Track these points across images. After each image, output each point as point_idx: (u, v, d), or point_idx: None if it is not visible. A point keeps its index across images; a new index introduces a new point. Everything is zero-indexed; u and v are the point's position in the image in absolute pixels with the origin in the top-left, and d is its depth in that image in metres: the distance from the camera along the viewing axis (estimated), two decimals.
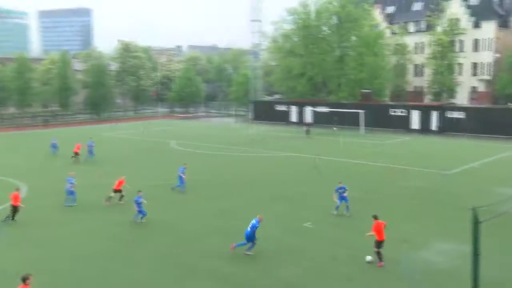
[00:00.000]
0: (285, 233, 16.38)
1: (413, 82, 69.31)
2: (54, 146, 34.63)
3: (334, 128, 48.83)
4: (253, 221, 14.35)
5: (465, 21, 63.61)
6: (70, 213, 19.25)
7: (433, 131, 45.85)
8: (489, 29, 62.76)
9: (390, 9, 74.14)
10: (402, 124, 47.80)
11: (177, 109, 78.86)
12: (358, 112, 47.53)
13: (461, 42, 64.28)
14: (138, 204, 17.55)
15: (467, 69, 64.71)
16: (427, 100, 64.46)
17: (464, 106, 52.81)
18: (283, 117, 57.62)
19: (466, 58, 63.73)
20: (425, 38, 65.34)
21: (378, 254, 13.51)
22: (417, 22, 69.99)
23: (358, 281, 12.83)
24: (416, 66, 69.19)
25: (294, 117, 56.89)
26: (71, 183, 20.08)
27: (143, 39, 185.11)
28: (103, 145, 34.11)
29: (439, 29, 63.54)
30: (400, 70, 67.76)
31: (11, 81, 60.76)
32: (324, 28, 62.14)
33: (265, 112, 60.40)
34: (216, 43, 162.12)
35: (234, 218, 18.28)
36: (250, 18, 65.26)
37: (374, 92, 54.97)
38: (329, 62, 60.30)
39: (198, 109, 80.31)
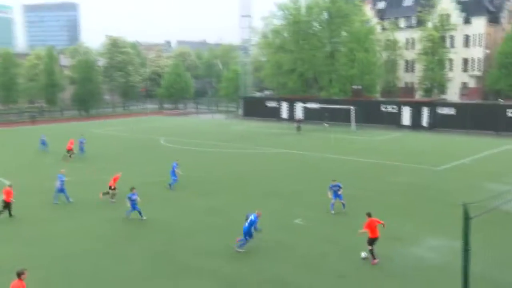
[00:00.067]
0: (276, 230, 16.13)
1: (404, 78, 69.33)
2: (43, 143, 34.07)
3: (325, 124, 48.54)
4: (252, 217, 14.21)
5: (456, 16, 63.64)
6: (61, 210, 19.11)
7: (424, 127, 45.70)
8: (479, 25, 62.86)
9: (381, 5, 73.96)
10: (393, 120, 47.61)
11: (166, 106, 78.08)
12: (349, 108, 47.22)
13: (451, 38, 64.34)
14: (132, 201, 17.30)
15: (457, 65, 64.81)
16: (418, 96, 64.46)
17: (454, 102, 52.81)
18: (274, 114, 57.16)
19: (456, 54, 63.85)
20: (416, 33, 65.34)
21: (371, 252, 13.39)
22: (408, 17, 69.90)
23: (349, 278, 12.72)
24: (407, 62, 69.18)
25: (284, 114, 56.46)
26: (62, 180, 19.82)
27: (131, 35, 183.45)
28: (92, 142, 33.74)
29: (429, 24, 63.52)
30: (391, 66, 67.71)
31: None
32: (315, 23, 61.76)
33: (256, 108, 59.88)
34: (206, 38, 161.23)
35: (226, 215, 18.22)
36: (240, 13, 64.70)
37: (365, 88, 54.73)
38: (319, 58, 59.96)
39: (188, 106, 79.59)
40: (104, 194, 20.10)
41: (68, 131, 45.93)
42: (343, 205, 18.33)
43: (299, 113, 52.33)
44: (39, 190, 21.97)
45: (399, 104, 48.41)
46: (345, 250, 14.54)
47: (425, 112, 46.18)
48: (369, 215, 13.74)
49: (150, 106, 73.99)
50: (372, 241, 13.41)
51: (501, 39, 59.96)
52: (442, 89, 63.98)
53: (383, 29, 68.78)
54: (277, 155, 32.71)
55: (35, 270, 10.48)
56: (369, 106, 49.72)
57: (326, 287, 12.22)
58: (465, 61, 64.48)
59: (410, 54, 67.81)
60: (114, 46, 75.69)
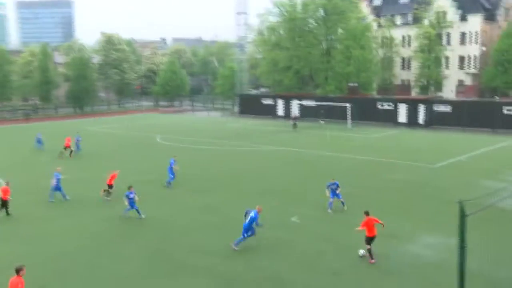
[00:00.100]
0: (273, 228, 15.99)
1: (400, 75, 69.24)
2: (39, 141, 33.83)
3: (321, 122, 48.39)
4: (252, 214, 14.07)
5: (452, 14, 63.56)
6: (57, 208, 19.00)
7: (420, 124, 45.64)
8: (475, 22, 62.81)
9: (377, 2, 73.78)
10: (390, 118, 47.52)
11: (162, 103, 77.73)
12: (345, 106, 47.07)
13: (448, 35, 64.28)
14: (130, 199, 17.17)
15: (454, 62, 64.78)
16: (414, 93, 64.42)
17: (451, 99, 52.78)
18: (270, 111, 56.96)
19: (453, 52, 63.81)
20: (412, 31, 65.20)
21: (369, 251, 13.30)
22: (404, 15, 69.75)
23: (345, 276, 12.67)
24: (403, 59, 69.08)
25: (280, 111, 56.25)
26: (58, 178, 19.69)
27: (126, 32, 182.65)
28: (87, 140, 33.61)
29: (426, 22, 63.42)
30: (387, 63, 67.60)
31: None
32: (311, 20, 61.57)
33: (251, 106, 59.64)
34: (201, 35, 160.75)
35: (222, 213, 18.17)
36: (235, 10, 64.34)
37: (361, 85, 54.62)
38: (315, 55, 59.80)
39: (183, 103, 79.25)
40: (105, 191, 20.00)
41: (62, 128, 45.69)
42: (343, 203, 18.17)
43: (295, 110, 52.17)
44: (35, 188, 21.82)
45: (395, 102, 48.32)
46: (342, 248, 14.45)
47: (422, 109, 46.12)
48: (367, 213, 13.61)
49: (146, 103, 73.66)
50: (369, 240, 13.31)
51: (497, 37, 59.92)
52: (439, 86, 63.96)
53: (379, 26, 68.63)
54: (273, 152, 32.54)
55: (32, 268, 10.41)
56: (365, 103, 49.59)
57: (322, 285, 12.14)
58: (461, 58, 64.45)
59: (406, 52, 67.72)
60: (109, 43, 75.16)
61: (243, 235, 14.10)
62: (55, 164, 23.77)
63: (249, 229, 14.10)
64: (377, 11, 72.56)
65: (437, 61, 62.96)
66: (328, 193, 18.08)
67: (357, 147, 34.22)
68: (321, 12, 60.34)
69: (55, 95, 67.77)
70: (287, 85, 61.49)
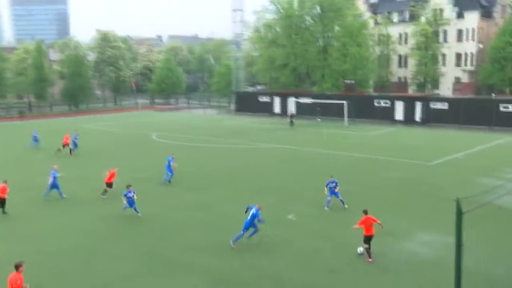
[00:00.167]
0: (269, 225, 15.86)
1: (397, 72, 69.14)
2: (35, 139, 33.63)
3: (318, 119, 48.25)
4: (253, 211, 14.08)
5: (449, 11, 63.48)
6: (53, 206, 18.90)
7: (417, 122, 45.56)
8: (472, 19, 62.75)
9: None
10: (386, 115, 47.41)
11: (158, 101, 77.39)
12: (342, 103, 46.92)
13: (444, 32, 64.21)
14: (128, 198, 17.03)
15: (450, 59, 64.74)
16: (411, 91, 64.37)
17: (447, 97, 52.71)
18: (266, 108, 56.75)
19: (449, 49, 63.75)
20: (409, 28, 65.11)
21: (367, 250, 13.24)
22: (401, 12, 69.62)
23: (342, 273, 12.60)
24: (400, 56, 68.98)
25: (277, 108, 56.05)
26: (55, 176, 19.56)
27: (122, 29, 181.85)
28: (83, 138, 33.49)
29: (423, 19, 63.31)
30: (384, 60, 67.49)
31: None
32: (307, 18, 61.37)
33: (248, 104, 59.41)
34: (198, 33, 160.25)
35: (218, 210, 18.09)
36: (232, 7, 64.01)
37: (358, 83, 54.48)
38: (312, 53, 59.62)
39: (179, 101, 78.93)
40: (110, 187, 19.97)
41: (58, 126, 45.43)
42: (342, 202, 18.00)
43: (291, 108, 51.98)
44: (30, 186, 21.68)
45: (392, 99, 48.19)
46: (339, 245, 14.39)
47: (418, 107, 46.02)
48: (365, 212, 13.50)
49: (142, 101, 73.26)
50: (367, 239, 13.23)
51: (494, 34, 59.91)
52: (435, 84, 63.90)
53: (376, 23, 68.47)
54: (269, 150, 32.39)
55: (28, 267, 10.29)
56: (362, 101, 49.44)
57: (319, 282, 12.06)
58: (458, 56, 64.41)
59: (403, 49, 67.61)
60: (105, 40, 74.69)
61: (243, 231, 14.10)
62: (51, 162, 23.69)
63: (250, 226, 14.07)
64: (374, 8, 72.42)
65: (434, 59, 62.91)
66: (327, 191, 17.92)
67: (353, 144, 34.08)
68: (317, 9, 60.14)
69: (50, 93, 67.29)
70: (283, 83, 61.30)
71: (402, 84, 67.41)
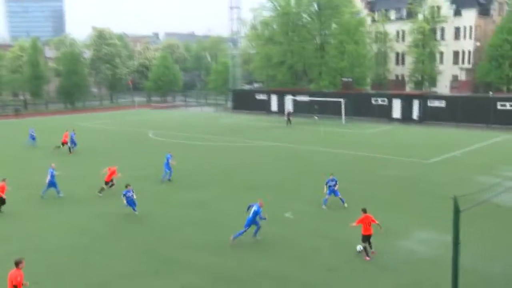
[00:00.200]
0: (266, 224, 15.75)
1: (395, 70, 69.05)
2: (32, 137, 33.44)
3: (315, 117, 48.09)
4: (254, 208, 14.10)
5: (446, 9, 63.37)
6: (50, 205, 18.86)
7: (415, 120, 45.48)
8: (469, 17, 62.69)
9: None
10: (384, 113, 47.29)
11: (155, 99, 77.08)
12: (339, 101, 46.78)
13: (442, 30, 64.13)
14: (127, 198, 16.96)
15: (448, 57, 64.67)
16: (409, 88, 64.30)
17: (445, 95, 52.65)
18: (263, 106, 56.56)
19: (447, 47, 63.66)
20: (406, 26, 64.97)
21: (365, 248, 13.18)
22: (398, 9, 69.51)
23: (340, 271, 12.56)
24: (397, 54, 68.88)
25: (274, 106, 55.86)
26: (53, 174, 19.47)
27: (118, 26, 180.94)
28: (79, 136, 33.26)
29: (420, 16, 63.18)
30: (382, 58, 67.38)
31: None
32: (304, 15, 61.19)
33: (245, 101, 59.19)
34: (194, 30, 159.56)
35: (215, 208, 18.06)
36: (229, 4, 63.69)
37: (355, 80, 54.33)
38: (309, 50, 59.44)
39: (176, 99, 78.63)
40: (110, 186, 19.96)
41: (53, 124, 45.18)
42: (342, 200, 17.83)
43: (289, 106, 51.79)
44: (27, 184, 21.54)
45: (390, 97, 48.09)
46: (337, 244, 14.33)
47: (416, 105, 45.93)
48: (364, 211, 13.41)
49: (138, 99, 72.96)
50: (365, 238, 13.16)
51: (492, 32, 59.84)
52: (433, 81, 63.84)
53: (373, 21, 68.34)
54: (266, 148, 32.26)
55: (25, 265, 10.13)
56: (359, 98, 49.30)
57: (317, 281, 11.99)
58: (456, 53, 64.34)
59: (400, 47, 67.51)
60: (101, 38, 74.24)
61: (245, 228, 14.10)
62: (48, 160, 23.60)
63: (252, 223, 14.06)
64: (371, 6, 72.26)
65: (431, 56, 62.82)
66: (326, 189, 17.78)
67: (351, 142, 33.98)
68: (314, 6, 59.96)
69: (46, 90, 66.84)
70: (280, 80, 61.10)
71: (400, 82, 67.32)
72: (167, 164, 21.97)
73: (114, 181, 20.09)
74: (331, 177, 17.84)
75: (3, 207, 17.67)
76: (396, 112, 46.94)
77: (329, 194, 17.69)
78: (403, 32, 66.97)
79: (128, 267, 12.89)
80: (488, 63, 56.83)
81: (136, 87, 76.79)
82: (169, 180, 22.05)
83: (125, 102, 74.74)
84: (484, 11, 64.42)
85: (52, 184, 19.46)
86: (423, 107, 45.45)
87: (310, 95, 51.54)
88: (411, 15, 65.08)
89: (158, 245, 14.42)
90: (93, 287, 11.80)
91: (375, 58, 65.56)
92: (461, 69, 64.26)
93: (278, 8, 60.23)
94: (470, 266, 11.70)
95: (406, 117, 45.95)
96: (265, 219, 14.35)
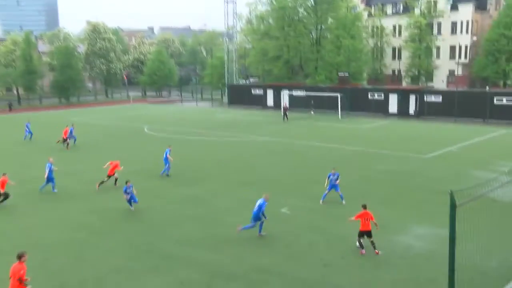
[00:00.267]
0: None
1: (391, 65, 68.85)
2: (29, 132, 33.26)
3: (312, 112, 47.92)
4: (260, 201, 14.09)
5: (443, 3, 63.15)
6: (46, 200, 18.70)
7: (411, 115, 45.37)
8: (466, 11, 62.50)
9: None
10: (380, 108, 47.15)
11: (150, 93, 76.60)
12: (335, 96, 46.57)
13: (438, 25, 63.91)
14: (128, 194, 16.89)
15: (444, 52, 64.51)
16: (405, 83, 64.16)
17: (441, 89, 52.52)
18: (259, 101, 56.27)
19: (443, 41, 63.47)
20: (403, 20, 64.72)
21: (359, 242, 13.14)
22: (394, 4, 69.22)
23: (336, 267, 12.46)
24: (394, 49, 68.64)
25: (270, 101, 55.58)
26: (50, 169, 19.30)
27: (112, 20, 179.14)
28: (76, 131, 32.93)
29: (417, 11, 62.93)
30: (378, 53, 67.17)
31: None
32: (300, 9, 60.83)
33: (241, 96, 58.88)
34: (190, 24, 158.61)
35: (210, 204, 17.93)
36: None
37: (352, 75, 54.13)
38: (305, 45, 59.16)
39: (172, 93, 78.15)
40: (115, 181, 19.94)
41: (48, 119, 44.89)
42: (341, 196, 17.64)
43: (285, 101, 51.48)
44: (23, 179, 21.25)
45: (386, 92, 47.91)
46: (333, 239, 14.23)
47: (412, 99, 45.80)
48: (364, 207, 13.28)
49: (133, 94, 72.46)
50: (362, 234, 13.06)
51: (488, 26, 59.71)
52: (429, 76, 63.72)
53: (370, 15, 68.04)
54: (262, 143, 32.06)
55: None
56: (355, 93, 49.11)
57: (312, 276, 11.89)
58: (452, 48, 64.16)
59: (397, 41, 67.28)
60: (95, 32, 73.48)
61: (253, 222, 14.10)
62: (43, 154, 23.58)
63: (258, 216, 14.04)
64: (368, 0, 71.91)
65: (428, 51, 62.65)
66: (327, 184, 17.60)
67: (347, 137, 33.83)
68: (310, 0, 59.62)
69: (40, 85, 66.17)
70: (276, 75, 60.82)
71: (396, 77, 67.16)
72: (166, 158, 21.85)
73: (117, 175, 19.96)
74: (333, 171, 17.62)
75: (5, 202, 17.61)
76: (393, 107, 46.80)
77: (330, 189, 17.49)
78: (400, 26, 66.72)
79: (125, 262, 12.81)
80: (485, 57, 56.74)
81: (131, 82, 76.24)
82: (167, 175, 21.91)
83: (120, 97, 74.29)
84: (481, 6, 64.25)
85: (50, 179, 19.37)
86: (420, 102, 45.31)
87: (306, 90, 51.29)
88: (407, 9, 64.82)
89: (154, 241, 14.31)
90: (89, 282, 11.68)
91: (371, 52, 65.36)
92: (458, 64, 64.14)
93: (274, 2, 59.82)
94: (466, 261, 11.46)
95: (403, 112, 45.82)
96: (265, 217, 14.26)
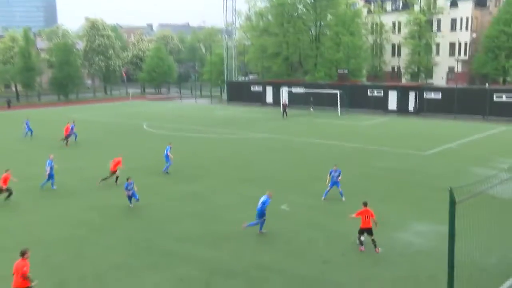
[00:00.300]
0: None
1: (391, 62, 68.72)
2: (29, 129, 33.20)
3: (311, 109, 47.85)
4: (263, 198, 14.13)
5: (443, 0, 62.94)
6: (46, 197, 18.73)
7: (411, 112, 45.33)
8: (466, 8, 62.34)
9: None
10: (380, 105, 47.10)
11: (149, 90, 76.45)
12: (334, 93, 46.49)
13: (438, 21, 63.74)
14: (129, 190, 16.90)
15: (444, 49, 64.37)
16: (405, 80, 64.07)
17: (441, 86, 52.46)
18: (259, 98, 56.18)
19: (443, 38, 63.33)
20: (402, 17, 64.52)
21: (359, 239, 13.12)
22: (394, 0, 68.99)
23: (335, 264, 12.48)
24: (393, 46, 68.49)
25: (269, 98, 55.49)
26: (51, 166, 19.31)
27: (111, 17, 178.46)
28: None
29: (416, 8, 62.78)
30: (377, 50, 67.01)
31: None
32: (300, 6, 60.67)
33: (240, 93, 58.77)
34: (189, 21, 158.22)
35: (209, 201, 17.95)
36: None
37: (351, 72, 54.04)
38: (304, 42, 59.02)
39: (171, 90, 78.00)
40: (116, 179, 19.84)
41: (46, 116, 44.80)
42: (341, 193, 17.61)
43: (285, 98, 51.41)
44: (23, 176, 21.09)
45: (386, 89, 47.85)
46: (333, 236, 14.23)
47: (412, 96, 45.75)
48: (365, 204, 13.27)
49: (132, 90, 72.32)
50: (361, 231, 13.05)
51: (488, 23, 59.59)
52: (429, 73, 63.62)
53: (369, 12, 67.84)
54: (262, 140, 32.02)
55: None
56: (355, 90, 49.04)
57: (312, 273, 11.88)
58: (452, 45, 64.03)
59: (396, 38, 67.12)
60: (94, 28, 73.19)
61: (258, 219, 14.10)
62: (42, 151, 23.52)
63: (262, 213, 14.04)
64: None
65: (428, 48, 62.52)
66: (328, 180, 17.56)
67: (347, 134, 33.80)
68: None
69: (38, 82, 65.97)
70: (276, 72, 60.69)
71: (396, 74, 67.05)
72: (167, 156, 21.84)
73: (119, 173, 19.92)
74: (335, 168, 17.58)
75: (9, 198, 17.70)
76: (392, 104, 46.75)
77: (331, 186, 17.44)
78: (399, 23, 66.53)
79: (124, 259, 12.82)
80: (485, 54, 56.65)
81: (130, 79, 76.07)
82: (167, 172, 21.88)
83: (119, 94, 74.11)
84: (480, 2, 64.09)
85: (50, 176, 19.37)
86: (419, 99, 45.27)
87: (306, 87, 51.20)
88: (407, 6, 64.60)
89: (154, 237, 14.31)
90: (89, 278, 11.67)
91: (371, 49, 65.22)
92: (457, 60, 64.06)
93: None
94: (466, 258, 11.47)
95: (402, 109, 45.79)
96: (265, 217, 14.22)
